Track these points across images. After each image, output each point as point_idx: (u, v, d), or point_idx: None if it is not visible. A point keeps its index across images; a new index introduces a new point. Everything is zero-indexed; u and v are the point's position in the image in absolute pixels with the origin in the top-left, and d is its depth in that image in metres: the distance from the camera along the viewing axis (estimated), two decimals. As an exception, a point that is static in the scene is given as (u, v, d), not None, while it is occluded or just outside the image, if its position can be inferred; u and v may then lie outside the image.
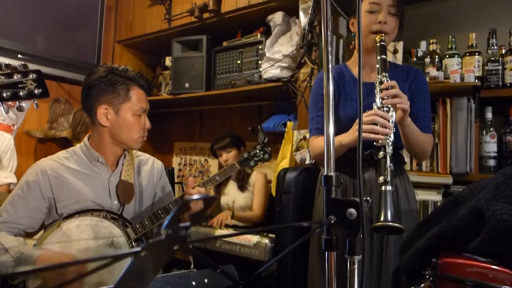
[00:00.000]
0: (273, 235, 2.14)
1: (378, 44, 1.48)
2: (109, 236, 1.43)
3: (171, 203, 1.57)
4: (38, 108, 1.31)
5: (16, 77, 1.23)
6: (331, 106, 0.85)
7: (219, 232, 2.37)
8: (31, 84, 1.25)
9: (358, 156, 0.75)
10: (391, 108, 1.37)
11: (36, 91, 1.26)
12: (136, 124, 1.58)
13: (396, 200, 1.54)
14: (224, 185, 2.84)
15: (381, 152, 1.31)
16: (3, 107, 1.24)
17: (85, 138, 1.64)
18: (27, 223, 1.48)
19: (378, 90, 1.40)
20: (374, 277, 1.49)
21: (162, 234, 0.41)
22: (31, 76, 1.25)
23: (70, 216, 1.47)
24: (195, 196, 0.41)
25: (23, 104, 1.28)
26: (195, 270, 1.03)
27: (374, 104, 1.40)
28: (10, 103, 1.24)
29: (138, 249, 0.40)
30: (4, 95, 1.21)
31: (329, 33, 0.83)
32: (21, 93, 1.24)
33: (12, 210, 1.46)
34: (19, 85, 1.23)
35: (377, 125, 1.33)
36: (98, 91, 1.54)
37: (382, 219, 1.16)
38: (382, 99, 1.37)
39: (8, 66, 1.25)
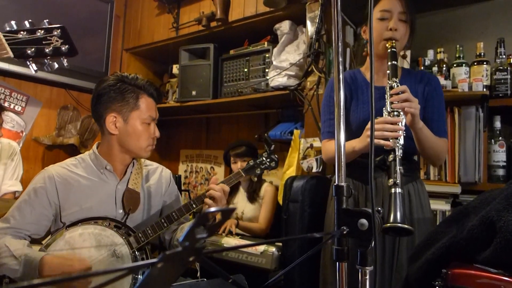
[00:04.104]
0: (280, 244, 2.13)
1: (389, 50, 1.51)
2: (112, 245, 1.43)
3: (174, 212, 1.55)
4: (68, 65, 1.23)
5: (39, 33, 1.16)
6: (342, 116, 0.85)
7: (226, 239, 2.36)
8: (57, 41, 1.17)
9: (371, 167, 0.75)
10: (401, 113, 1.38)
11: (62, 48, 1.18)
12: (144, 133, 1.58)
13: (409, 206, 1.54)
14: (234, 195, 2.81)
15: (391, 155, 1.32)
16: (32, 66, 1.17)
17: (94, 146, 1.64)
18: (33, 229, 1.48)
19: (388, 95, 1.42)
20: (386, 286, 1.49)
21: (178, 246, 0.41)
22: (55, 32, 1.17)
23: (74, 224, 1.47)
24: (213, 209, 0.41)
25: (53, 63, 1.20)
26: (205, 279, 1.03)
27: (384, 109, 1.42)
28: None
29: (154, 260, 0.40)
30: (29, 51, 1.15)
31: (340, 43, 0.83)
32: (46, 50, 1.16)
33: (19, 216, 1.46)
34: (43, 42, 1.16)
35: (387, 131, 1.35)
36: (108, 99, 1.54)
37: (391, 220, 1.17)
38: (392, 103, 1.39)
39: (30, 23, 1.18)
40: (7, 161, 2.61)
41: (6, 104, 2.98)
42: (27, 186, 1.53)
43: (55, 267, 1.31)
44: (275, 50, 2.60)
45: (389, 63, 1.48)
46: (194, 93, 3.05)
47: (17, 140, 3.04)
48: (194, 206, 1.58)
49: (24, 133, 3.13)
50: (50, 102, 3.33)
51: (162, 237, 1.72)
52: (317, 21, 2.30)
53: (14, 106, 3.06)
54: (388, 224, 1.17)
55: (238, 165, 2.68)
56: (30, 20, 1.18)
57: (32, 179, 1.54)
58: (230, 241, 2.32)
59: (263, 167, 1.76)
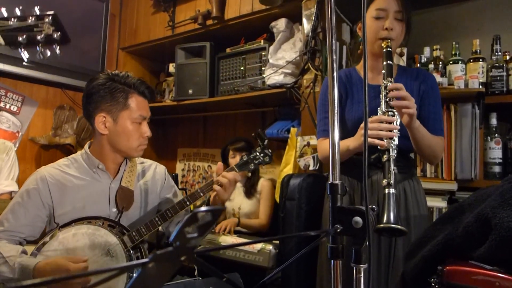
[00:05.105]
0: (277, 241, 2.13)
1: (384, 50, 1.50)
2: (105, 244, 1.41)
3: (168, 210, 1.53)
4: (61, 53, 1.18)
5: (30, 20, 1.12)
6: (336, 115, 0.85)
7: (223, 238, 2.36)
8: (48, 28, 1.13)
9: (364, 165, 0.75)
10: (396, 112, 1.38)
11: (55, 35, 1.15)
12: (135, 132, 1.55)
13: (405, 204, 1.54)
14: None
15: (385, 156, 1.32)
16: (24, 54, 1.14)
17: (86, 145, 1.62)
18: (28, 231, 1.47)
19: (383, 95, 1.41)
20: (383, 284, 1.49)
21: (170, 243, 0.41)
22: (46, 19, 1.14)
23: (67, 224, 1.45)
24: (202, 208, 0.41)
25: (46, 50, 1.17)
26: (200, 278, 1.03)
27: (379, 108, 1.41)
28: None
29: (145, 260, 0.40)
30: (20, 39, 1.11)
31: (333, 41, 0.83)
32: (38, 37, 1.12)
33: (13, 219, 1.45)
34: (35, 29, 1.12)
35: (382, 130, 1.34)
36: (97, 98, 1.52)
37: (384, 221, 1.18)
38: (387, 103, 1.39)
39: (21, 10, 1.15)
40: (2, 162, 2.60)
41: (1, 105, 2.97)
42: (20, 188, 1.52)
43: (50, 274, 1.28)
44: (271, 48, 2.60)
45: (384, 63, 1.47)
46: (190, 91, 3.05)
47: (13, 140, 3.03)
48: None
49: (20, 133, 3.12)
50: (46, 102, 3.31)
51: (166, 231, 1.70)
52: (313, 18, 2.29)
53: (10, 106, 3.05)
54: (382, 225, 1.18)
55: (237, 159, 2.67)
56: (21, 7, 1.15)
57: (25, 181, 1.53)
58: (227, 239, 2.32)
59: (257, 162, 1.71)
